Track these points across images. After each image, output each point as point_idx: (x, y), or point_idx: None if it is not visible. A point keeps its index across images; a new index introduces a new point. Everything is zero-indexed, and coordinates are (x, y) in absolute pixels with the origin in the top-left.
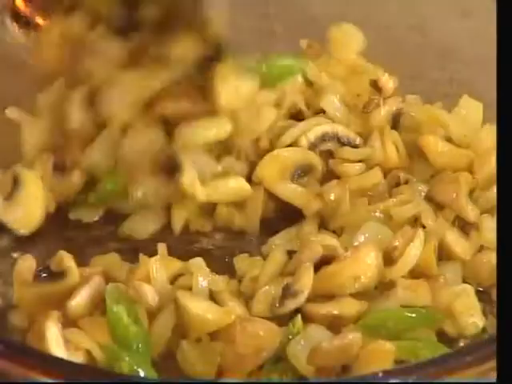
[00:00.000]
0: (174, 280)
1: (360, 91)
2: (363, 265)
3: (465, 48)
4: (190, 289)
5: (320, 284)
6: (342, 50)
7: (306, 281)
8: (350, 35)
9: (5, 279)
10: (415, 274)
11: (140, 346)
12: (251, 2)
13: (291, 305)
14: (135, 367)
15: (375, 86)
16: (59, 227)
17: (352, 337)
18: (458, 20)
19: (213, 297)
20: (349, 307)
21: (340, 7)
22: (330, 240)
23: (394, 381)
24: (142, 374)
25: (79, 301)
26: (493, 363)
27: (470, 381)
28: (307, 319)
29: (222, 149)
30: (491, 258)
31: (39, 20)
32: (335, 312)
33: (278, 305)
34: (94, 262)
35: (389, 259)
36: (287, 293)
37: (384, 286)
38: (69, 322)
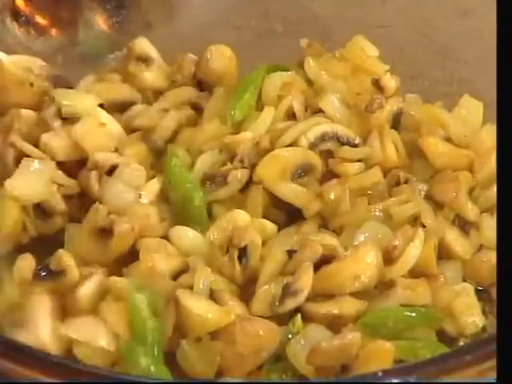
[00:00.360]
0: (175, 277)
1: (360, 90)
2: (363, 264)
3: (465, 48)
4: (191, 287)
5: (320, 283)
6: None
7: (306, 280)
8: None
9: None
10: (415, 273)
11: (155, 340)
12: (251, 2)
13: (291, 304)
14: (149, 363)
15: (377, 85)
16: None
17: (351, 337)
18: (458, 20)
19: (213, 296)
20: (348, 306)
21: (340, 7)
22: (330, 239)
23: (394, 380)
24: (153, 370)
25: (86, 291)
26: (493, 362)
27: (470, 380)
28: (307, 318)
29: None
30: (491, 256)
31: (39, 19)
32: (335, 311)
33: (277, 304)
34: None
35: (389, 258)
36: (287, 292)
37: (384, 286)
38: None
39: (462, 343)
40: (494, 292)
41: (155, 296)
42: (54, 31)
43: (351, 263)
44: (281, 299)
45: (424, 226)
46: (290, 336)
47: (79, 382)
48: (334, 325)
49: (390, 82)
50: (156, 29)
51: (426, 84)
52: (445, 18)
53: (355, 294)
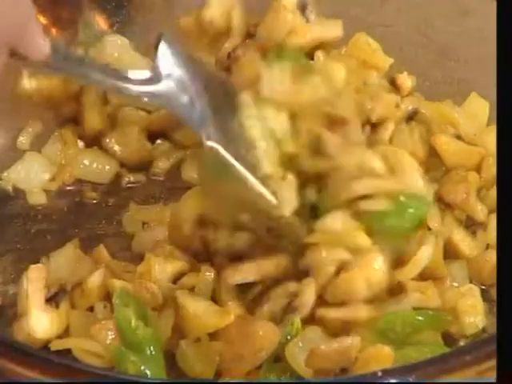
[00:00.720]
0: (178, 278)
1: (365, 86)
2: (372, 270)
3: (465, 48)
4: (192, 288)
5: (330, 290)
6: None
7: (308, 298)
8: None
9: (4, 278)
10: (424, 275)
11: (152, 348)
12: (251, 2)
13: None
14: (142, 368)
15: (393, 83)
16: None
17: (351, 340)
18: (458, 20)
19: (213, 297)
20: (360, 312)
21: (340, 6)
22: (342, 254)
23: (394, 380)
24: (149, 374)
25: (93, 280)
26: (493, 362)
27: (470, 380)
28: (317, 323)
29: None
30: (494, 256)
31: (39, 19)
32: (346, 317)
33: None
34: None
35: (399, 262)
36: (289, 309)
37: (394, 289)
38: None
39: (462, 343)
40: (493, 292)
41: (142, 306)
42: (54, 31)
43: (360, 269)
44: (283, 316)
45: (429, 229)
46: (288, 337)
47: (79, 382)
48: (345, 330)
49: (407, 82)
50: (156, 29)
51: (426, 84)
52: (445, 18)
53: (365, 300)
